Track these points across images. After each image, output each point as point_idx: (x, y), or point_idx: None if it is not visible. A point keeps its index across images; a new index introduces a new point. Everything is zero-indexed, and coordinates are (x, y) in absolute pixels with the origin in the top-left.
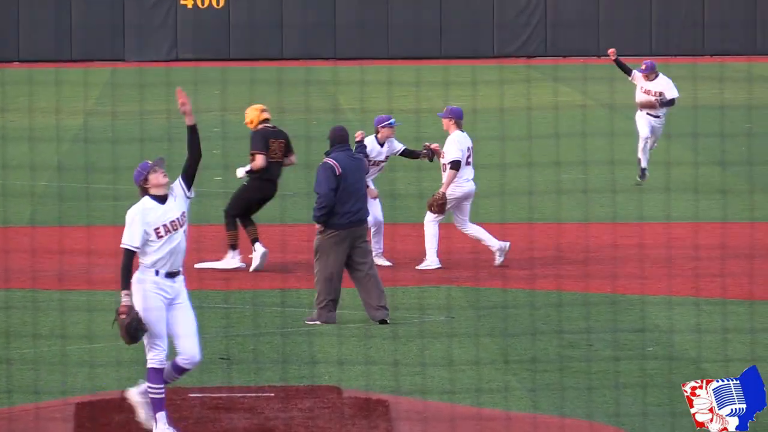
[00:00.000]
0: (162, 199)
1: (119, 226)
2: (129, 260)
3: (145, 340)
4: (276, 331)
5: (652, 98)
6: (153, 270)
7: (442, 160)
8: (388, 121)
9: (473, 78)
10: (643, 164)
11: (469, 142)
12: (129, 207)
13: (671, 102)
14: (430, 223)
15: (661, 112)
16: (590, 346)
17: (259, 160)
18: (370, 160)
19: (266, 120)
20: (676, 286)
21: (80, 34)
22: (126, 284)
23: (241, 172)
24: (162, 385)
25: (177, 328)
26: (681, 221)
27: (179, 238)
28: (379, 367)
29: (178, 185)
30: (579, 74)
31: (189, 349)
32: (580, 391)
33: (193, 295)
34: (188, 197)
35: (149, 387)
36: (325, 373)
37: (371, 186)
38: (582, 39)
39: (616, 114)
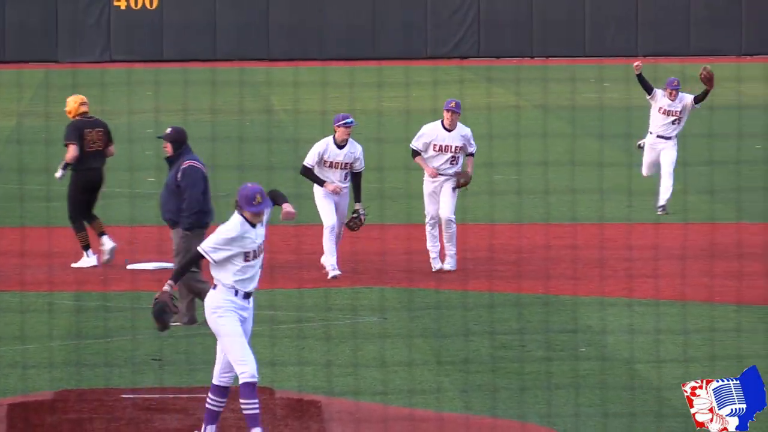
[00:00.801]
0: (254, 224)
1: (52, 227)
2: (194, 262)
3: (230, 357)
4: (208, 332)
5: (670, 119)
6: (232, 290)
7: (471, 149)
8: (344, 121)
9: (406, 79)
10: (661, 201)
11: None
12: (61, 208)
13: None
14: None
15: (673, 134)
16: (523, 346)
17: (71, 150)
18: (326, 161)
19: (84, 113)
20: (608, 287)
21: (14, 34)
22: (176, 278)
23: (59, 173)
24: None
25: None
26: (614, 222)
27: (260, 262)
28: (311, 367)
29: (268, 213)
30: (512, 75)
31: (242, 368)
32: (512, 391)
33: (125, 297)
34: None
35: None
36: (258, 374)
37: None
38: (515, 40)
39: (550, 115)
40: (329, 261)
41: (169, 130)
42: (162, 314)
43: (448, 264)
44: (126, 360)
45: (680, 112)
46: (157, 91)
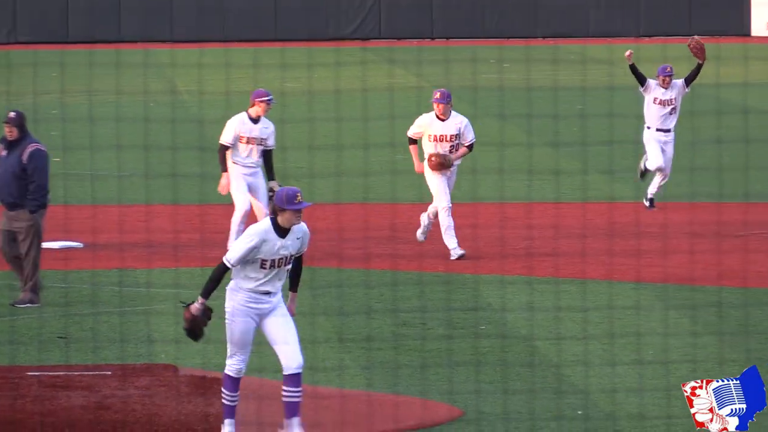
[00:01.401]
0: (284, 233)
1: None
2: (221, 274)
3: (228, 346)
4: (114, 310)
5: (667, 109)
6: (241, 291)
7: (468, 142)
8: (266, 97)
9: (309, 60)
10: (650, 193)
11: None
12: None
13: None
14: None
15: (672, 124)
16: (424, 324)
17: None
18: (242, 137)
19: None
20: (508, 266)
21: None
22: (206, 293)
23: None
24: (235, 393)
25: (275, 336)
26: (514, 201)
27: (283, 271)
28: (214, 345)
29: (307, 233)
30: (413, 56)
31: (286, 355)
32: (413, 369)
33: None
34: (304, 244)
35: (222, 391)
36: (162, 352)
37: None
38: (416, 22)
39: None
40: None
41: (12, 114)
42: (194, 334)
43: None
44: (32, 338)
45: (675, 99)
46: (63, 72)
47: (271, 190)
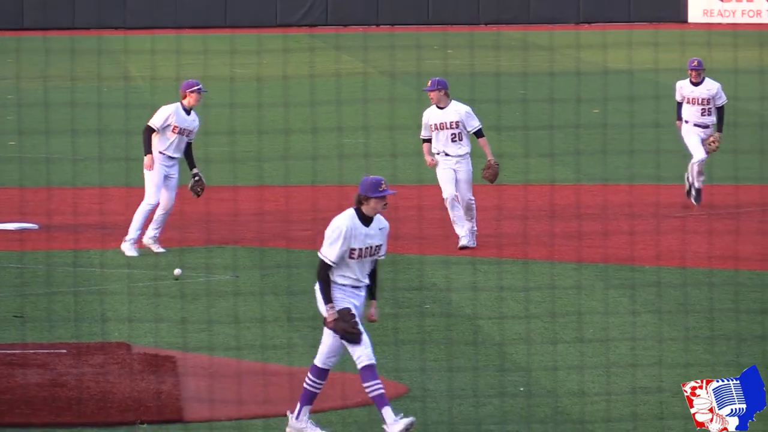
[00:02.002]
0: (368, 221)
1: None
2: (325, 272)
3: (347, 344)
4: (68, 290)
5: (698, 108)
6: (342, 284)
7: (469, 129)
8: (197, 87)
9: (258, 47)
10: (697, 185)
11: None
12: None
13: (721, 111)
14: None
15: (710, 120)
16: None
17: None
18: (175, 127)
19: None
20: (453, 247)
21: None
22: (326, 297)
23: None
24: (378, 381)
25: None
26: None
27: (368, 263)
28: (167, 324)
29: (386, 226)
30: (360, 43)
31: (356, 351)
32: None
33: None
34: (384, 238)
35: (366, 385)
36: (115, 330)
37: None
38: (362, 8)
39: (396, 81)
40: (131, 236)
41: None
42: (351, 335)
43: (467, 240)
44: None
45: (707, 101)
46: (18, 58)
47: (196, 175)
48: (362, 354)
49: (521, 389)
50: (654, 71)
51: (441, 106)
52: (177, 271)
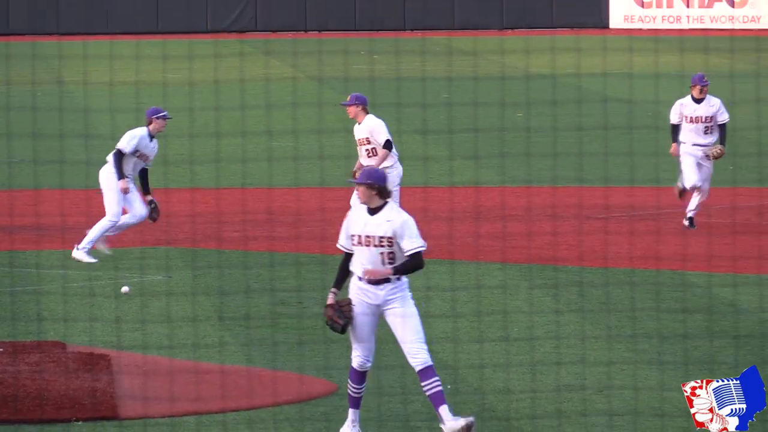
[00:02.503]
0: (373, 212)
1: None
2: (342, 260)
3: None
4: (5, 290)
5: (699, 126)
6: (357, 275)
7: (380, 142)
8: (163, 113)
9: (189, 52)
10: (689, 212)
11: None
12: None
13: (723, 129)
14: None
15: (712, 139)
16: (300, 303)
17: None
18: (141, 154)
19: None
20: None
21: None
22: (335, 282)
23: None
24: (358, 386)
25: (396, 334)
26: None
27: (376, 254)
28: (101, 323)
29: (406, 221)
30: (288, 48)
31: (409, 353)
32: (290, 345)
33: None
34: (397, 231)
35: (349, 384)
36: (51, 330)
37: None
38: (291, 14)
39: (324, 86)
40: (101, 246)
41: None
42: (336, 328)
43: None
44: None
45: (710, 119)
46: None
47: (152, 202)
48: (354, 358)
49: (448, 387)
50: (576, 76)
51: (359, 121)
52: (124, 289)
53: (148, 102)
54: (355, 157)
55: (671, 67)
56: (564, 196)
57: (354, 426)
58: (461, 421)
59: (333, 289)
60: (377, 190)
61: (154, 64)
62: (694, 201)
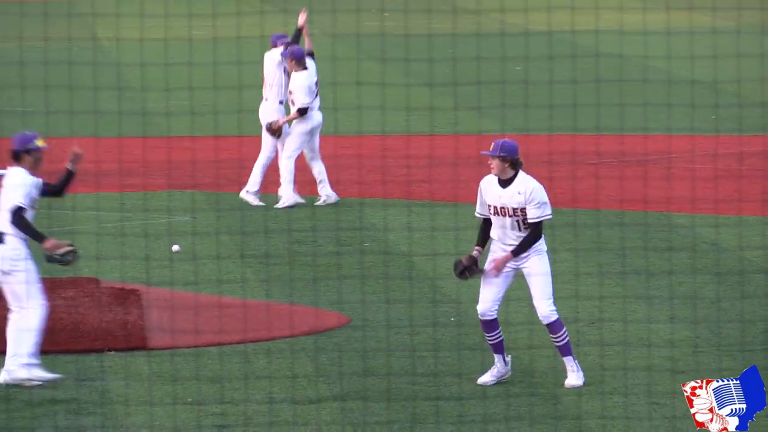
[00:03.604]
0: (504, 183)
1: None
2: (481, 224)
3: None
4: (43, 230)
5: None
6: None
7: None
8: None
9: (214, 10)
10: None
11: (315, 76)
12: None
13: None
14: (287, 160)
15: None
16: (315, 242)
17: None
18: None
19: None
20: (390, 190)
21: None
22: (480, 242)
23: None
24: (490, 334)
25: (531, 292)
26: (394, 134)
27: (512, 223)
28: (131, 261)
29: (535, 188)
30: (305, 7)
31: (538, 310)
32: (306, 281)
33: None
34: (526, 200)
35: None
36: (85, 267)
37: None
38: None
39: (337, 41)
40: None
41: None
42: (464, 275)
43: None
44: None
45: None
46: None
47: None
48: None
49: (452, 319)
50: (571, 32)
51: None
52: (175, 248)
53: (176, 57)
54: (363, 106)
55: (658, 25)
56: (559, 143)
57: (493, 371)
58: (580, 381)
59: (477, 247)
60: (510, 162)
61: (181, 21)
62: None
